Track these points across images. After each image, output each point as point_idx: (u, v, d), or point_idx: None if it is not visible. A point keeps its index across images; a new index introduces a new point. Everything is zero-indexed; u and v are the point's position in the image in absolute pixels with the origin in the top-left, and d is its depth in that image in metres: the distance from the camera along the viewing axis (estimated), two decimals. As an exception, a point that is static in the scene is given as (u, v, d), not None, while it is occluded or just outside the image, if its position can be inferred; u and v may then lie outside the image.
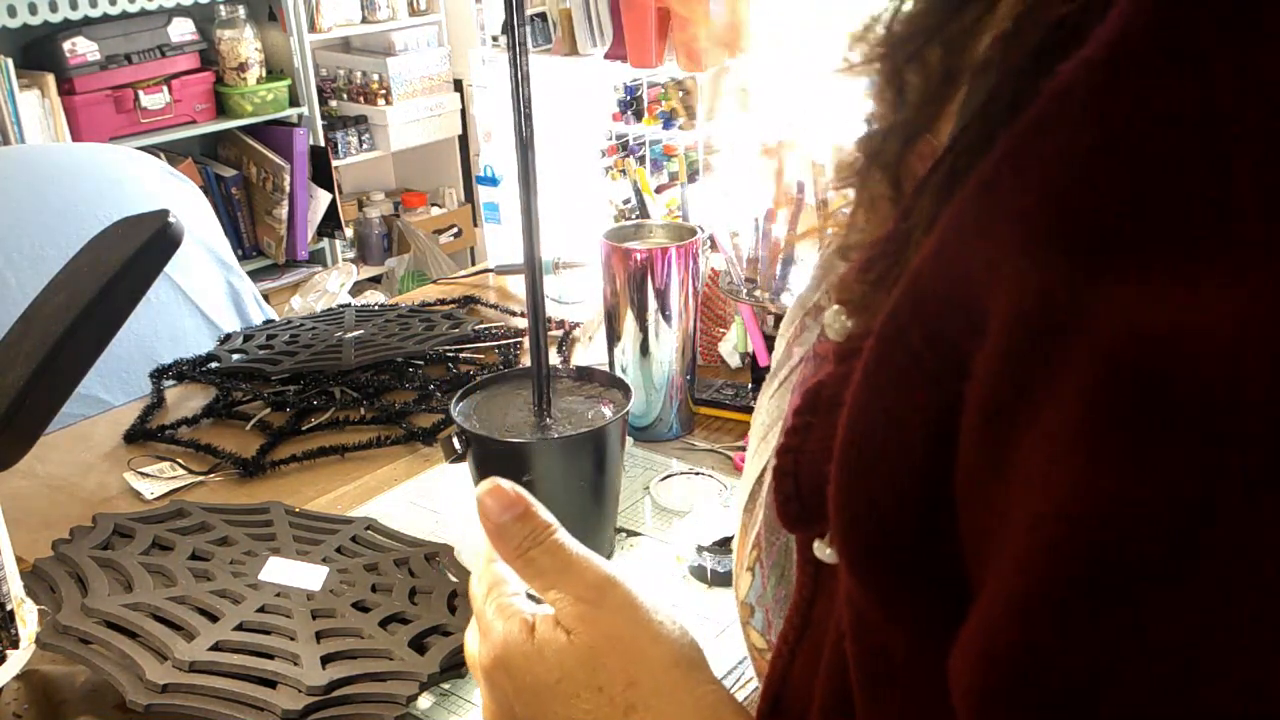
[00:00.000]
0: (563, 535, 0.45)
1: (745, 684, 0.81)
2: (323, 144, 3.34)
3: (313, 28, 3.33)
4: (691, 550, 0.91)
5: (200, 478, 1.10)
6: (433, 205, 3.93)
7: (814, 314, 0.47)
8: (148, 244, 0.73)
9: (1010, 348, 0.27)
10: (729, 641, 0.85)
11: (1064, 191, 0.27)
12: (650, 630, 0.43)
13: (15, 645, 0.78)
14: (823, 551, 0.37)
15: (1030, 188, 0.27)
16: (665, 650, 0.42)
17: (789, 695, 0.41)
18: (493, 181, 1.69)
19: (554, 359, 1.33)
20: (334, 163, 3.39)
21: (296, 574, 0.86)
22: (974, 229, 0.29)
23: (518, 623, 0.45)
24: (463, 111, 3.76)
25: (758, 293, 1.13)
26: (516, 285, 1.60)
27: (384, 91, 3.57)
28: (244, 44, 3.11)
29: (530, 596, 0.48)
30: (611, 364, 1.13)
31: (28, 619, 0.79)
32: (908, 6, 0.35)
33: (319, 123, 3.34)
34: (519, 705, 0.45)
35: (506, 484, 0.47)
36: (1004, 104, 0.30)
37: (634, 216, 1.36)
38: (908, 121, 0.36)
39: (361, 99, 3.62)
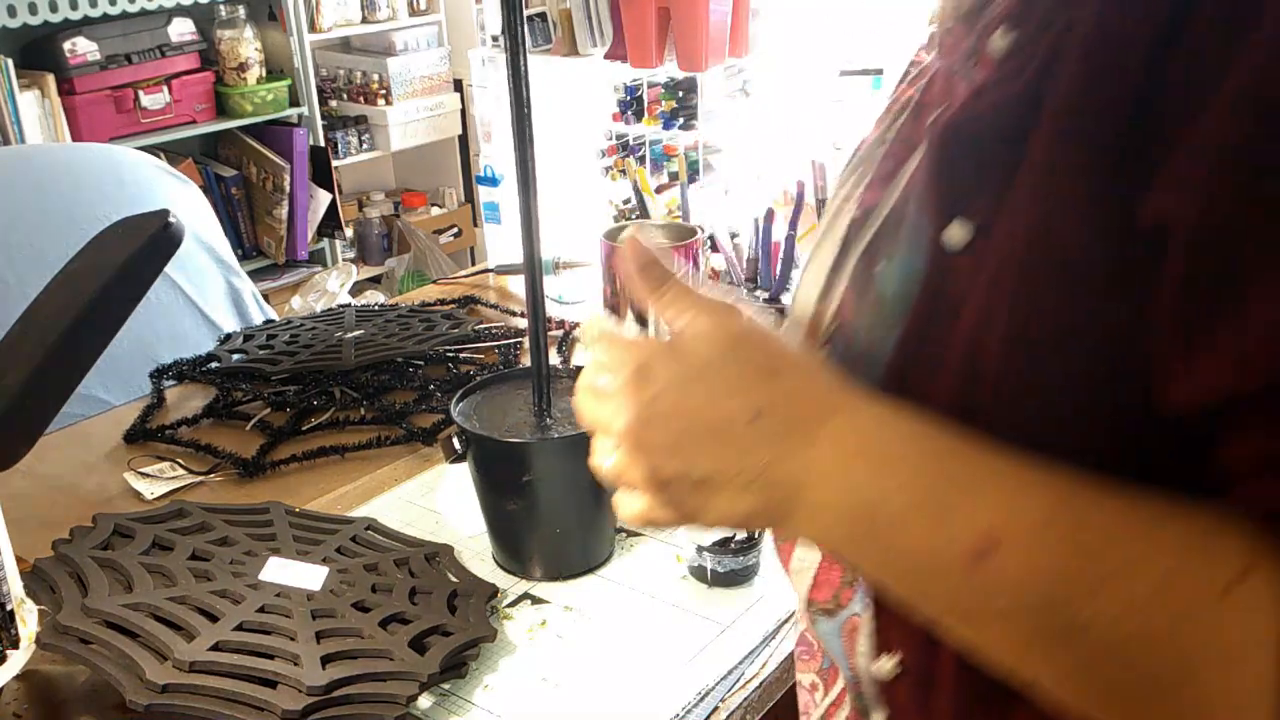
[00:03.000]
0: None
1: (746, 684, 0.81)
2: (323, 144, 3.34)
3: (313, 28, 3.33)
4: (691, 550, 0.91)
5: (200, 478, 1.10)
6: (433, 205, 3.93)
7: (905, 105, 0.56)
8: (148, 244, 0.73)
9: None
10: (729, 641, 0.85)
11: None
12: (778, 331, 0.49)
13: (15, 645, 0.78)
14: (954, 234, 0.45)
15: None
16: (792, 345, 0.49)
17: (913, 378, 0.47)
18: (493, 181, 1.69)
19: (554, 359, 1.33)
20: (334, 163, 3.39)
21: (296, 574, 0.86)
22: None
23: (651, 341, 0.50)
24: (463, 111, 3.76)
25: (758, 293, 1.13)
26: (516, 285, 1.60)
27: (384, 91, 3.57)
28: (244, 44, 3.11)
29: None
30: (611, 364, 1.13)
31: (28, 619, 0.79)
32: None
33: (319, 123, 3.34)
34: (660, 403, 0.48)
35: (642, 237, 0.53)
36: None
37: (634, 216, 1.36)
38: None
39: (361, 99, 3.62)
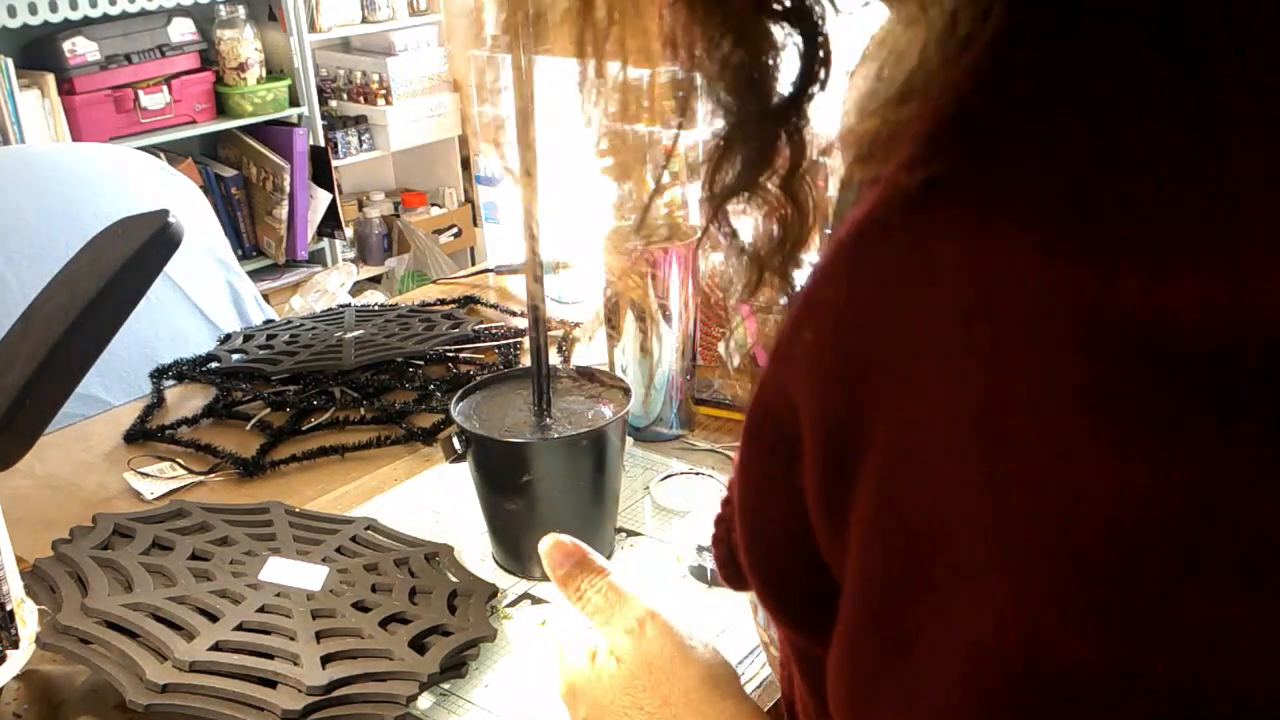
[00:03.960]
0: (615, 577, 0.56)
1: (749, 681, 0.81)
2: (323, 144, 3.33)
3: (313, 28, 3.32)
4: (691, 550, 0.91)
5: (200, 478, 1.10)
6: (433, 205, 3.93)
7: None
8: (148, 244, 0.73)
9: (820, 444, 0.32)
10: (729, 641, 0.85)
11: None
12: (682, 653, 0.52)
13: (15, 645, 0.78)
14: None
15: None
16: (695, 670, 0.51)
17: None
18: (492, 182, 1.69)
19: (554, 359, 1.33)
20: (334, 163, 3.39)
21: (296, 574, 0.86)
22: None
23: (584, 653, 0.55)
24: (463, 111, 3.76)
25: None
26: (516, 285, 1.60)
27: (384, 91, 3.56)
28: (244, 44, 3.11)
29: None
30: (611, 364, 1.13)
31: (28, 619, 0.79)
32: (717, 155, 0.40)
33: (319, 123, 3.33)
34: None
35: (565, 539, 0.58)
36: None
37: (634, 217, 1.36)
38: (784, 242, 0.42)
39: (361, 99, 3.61)
